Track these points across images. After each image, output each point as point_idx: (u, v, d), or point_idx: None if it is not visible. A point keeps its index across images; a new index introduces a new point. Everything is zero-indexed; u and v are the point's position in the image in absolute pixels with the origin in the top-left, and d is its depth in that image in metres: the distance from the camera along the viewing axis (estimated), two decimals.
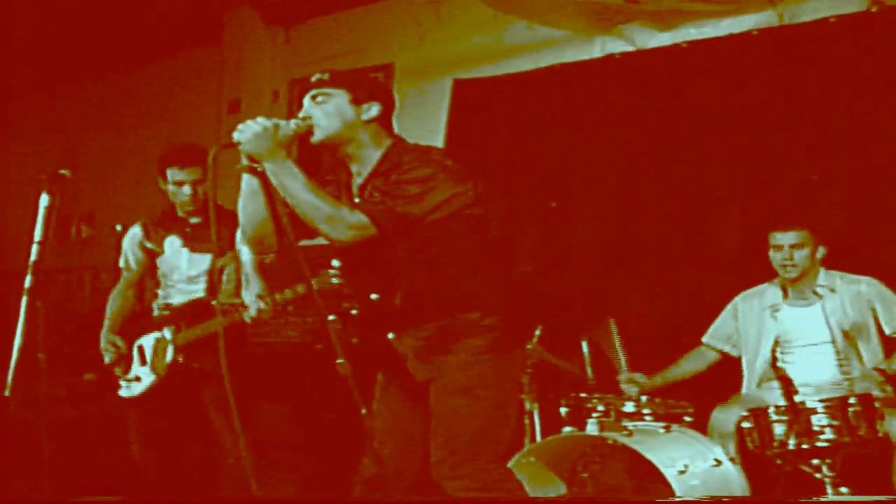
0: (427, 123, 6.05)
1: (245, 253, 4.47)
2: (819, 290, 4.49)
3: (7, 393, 3.06)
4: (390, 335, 3.12)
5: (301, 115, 3.10)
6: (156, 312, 4.60)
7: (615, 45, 5.72)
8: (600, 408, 4.26)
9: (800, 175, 5.07)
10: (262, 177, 2.99)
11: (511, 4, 5.90)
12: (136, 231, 4.72)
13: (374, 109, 3.12)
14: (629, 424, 4.19)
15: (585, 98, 5.73)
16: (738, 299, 4.74)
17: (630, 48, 5.67)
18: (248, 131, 2.94)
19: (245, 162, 3.01)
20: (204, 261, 4.54)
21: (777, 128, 5.17)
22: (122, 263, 4.75)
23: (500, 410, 3.11)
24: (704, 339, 4.78)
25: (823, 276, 4.53)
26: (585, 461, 4.28)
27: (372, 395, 3.26)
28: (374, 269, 3.10)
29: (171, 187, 4.51)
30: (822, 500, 3.74)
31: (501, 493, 3.00)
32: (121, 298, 4.67)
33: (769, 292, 4.64)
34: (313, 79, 3.14)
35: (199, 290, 4.54)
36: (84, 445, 4.66)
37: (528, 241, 5.64)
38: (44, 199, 3.34)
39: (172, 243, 4.61)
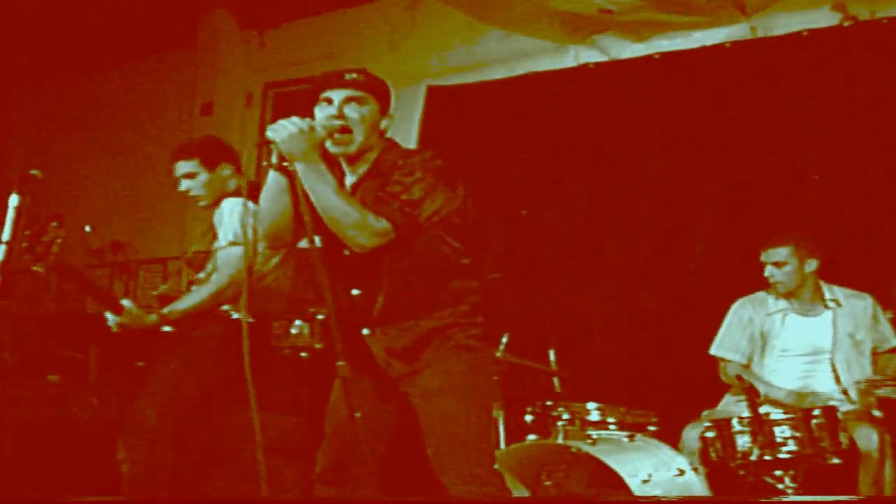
0: (400, 130, 5.99)
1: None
2: (829, 303, 4.55)
3: None
4: (365, 331, 3.13)
5: (335, 113, 3.06)
6: None
7: (589, 55, 5.73)
8: (565, 416, 4.26)
9: (776, 186, 5.10)
10: (292, 176, 2.96)
11: (487, 12, 5.90)
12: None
13: (387, 120, 3.19)
14: (593, 433, 4.19)
15: (559, 107, 5.75)
16: (740, 307, 4.71)
17: (604, 58, 5.68)
18: (283, 131, 2.91)
19: (275, 160, 2.96)
20: None
21: (749, 140, 5.20)
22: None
23: (485, 408, 3.12)
24: (712, 352, 4.72)
25: (828, 290, 4.58)
26: (549, 469, 4.27)
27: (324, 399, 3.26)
28: (362, 265, 3.09)
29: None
30: (796, 499, 3.76)
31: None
32: None
33: (772, 300, 4.64)
34: (347, 77, 3.11)
35: None
36: (45, 447, 4.58)
37: (497, 248, 5.64)
38: (13, 200, 3.33)
39: None
